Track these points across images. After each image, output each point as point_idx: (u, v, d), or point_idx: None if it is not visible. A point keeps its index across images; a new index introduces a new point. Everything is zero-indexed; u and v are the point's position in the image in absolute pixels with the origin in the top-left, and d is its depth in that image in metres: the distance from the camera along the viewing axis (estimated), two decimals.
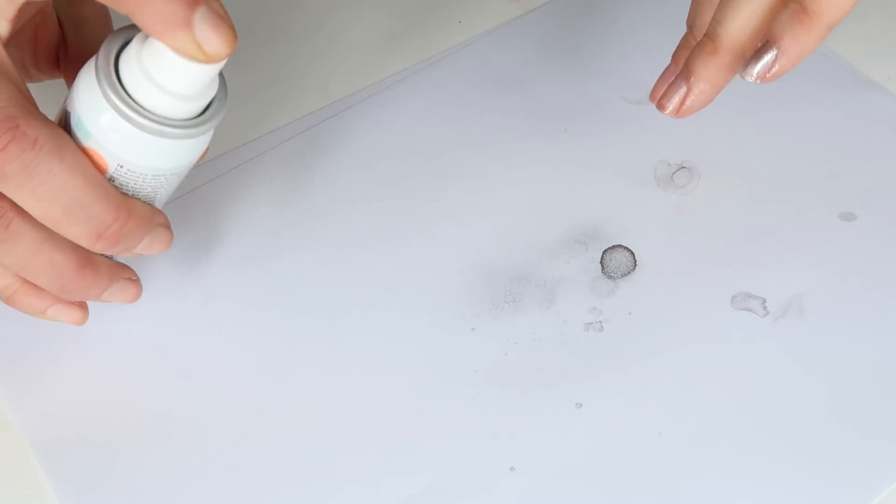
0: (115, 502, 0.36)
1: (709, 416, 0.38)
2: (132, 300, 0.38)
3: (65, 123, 0.33)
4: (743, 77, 0.36)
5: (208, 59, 0.30)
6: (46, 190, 0.31)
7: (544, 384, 0.39)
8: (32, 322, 0.38)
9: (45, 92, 0.35)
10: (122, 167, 0.33)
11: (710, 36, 0.36)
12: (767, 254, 0.43)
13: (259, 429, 0.38)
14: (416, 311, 0.41)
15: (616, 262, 0.43)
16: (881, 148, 0.47)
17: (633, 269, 0.43)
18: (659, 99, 0.39)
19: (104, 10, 0.37)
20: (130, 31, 0.32)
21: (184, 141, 0.33)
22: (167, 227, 0.35)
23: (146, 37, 0.31)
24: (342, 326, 0.41)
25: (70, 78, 0.33)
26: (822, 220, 0.44)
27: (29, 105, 0.31)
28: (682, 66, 0.40)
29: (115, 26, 0.34)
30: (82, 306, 0.38)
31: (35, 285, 0.35)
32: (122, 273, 0.37)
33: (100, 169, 0.32)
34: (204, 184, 0.46)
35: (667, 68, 0.42)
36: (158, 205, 0.35)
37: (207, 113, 0.33)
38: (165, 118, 0.32)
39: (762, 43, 0.35)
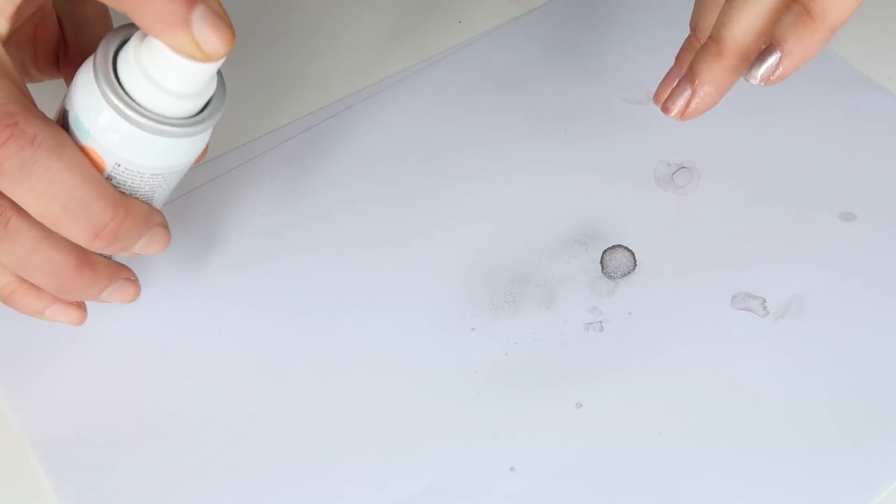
0: (115, 502, 0.36)
1: (709, 416, 0.38)
2: (131, 300, 0.38)
3: (63, 122, 0.33)
4: (747, 80, 0.36)
5: (206, 58, 0.30)
6: (44, 187, 0.31)
7: (544, 384, 0.39)
8: (32, 322, 0.38)
9: (44, 93, 0.35)
10: (119, 166, 0.33)
11: (715, 39, 0.36)
12: (767, 254, 0.43)
13: (259, 429, 0.38)
14: (416, 311, 0.41)
15: (616, 262, 0.43)
16: (881, 148, 0.47)
17: (633, 269, 0.43)
18: (664, 102, 0.39)
19: (105, 11, 0.37)
20: (129, 29, 0.32)
21: (182, 140, 0.33)
22: (165, 226, 0.35)
23: (144, 35, 0.31)
24: (342, 326, 0.41)
25: (70, 78, 0.34)
26: (822, 220, 0.44)
27: (28, 103, 0.31)
28: (685, 68, 0.40)
29: (115, 27, 0.34)
30: (81, 307, 0.38)
31: (33, 285, 0.35)
32: (120, 273, 0.37)
33: (98, 167, 0.32)
34: (204, 184, 0.46)
35: (670, 70, 0.42)
36: (156, 204, 0.35)
37: (205, 112, 0.33)
38: (163, 117, 0.32)
39: (766, 45, 0.35)
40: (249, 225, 0.44)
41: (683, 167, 0.46)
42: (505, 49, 0.52)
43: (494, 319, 0.41)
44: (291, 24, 0.53)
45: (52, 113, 0.34)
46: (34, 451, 0.38)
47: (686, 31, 0.43)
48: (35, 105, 0.32)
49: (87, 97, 0.32)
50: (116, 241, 0.33)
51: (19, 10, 0.32)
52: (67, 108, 0.33)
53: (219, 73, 0.33)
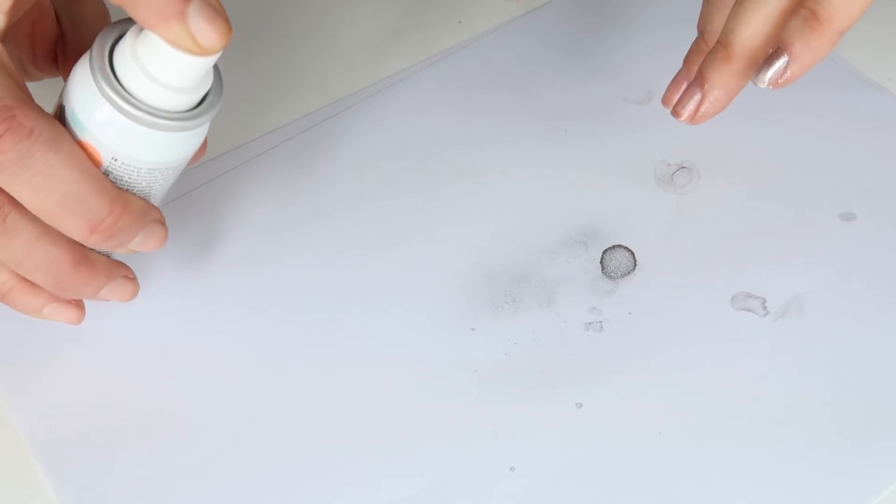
0: (114, 502, 0.36)
1: (709, 416, 0.38)
2: (129, 299, 0.37)
3: (60, 118, 0.33)
4: (755, 83, 0.36)
5: (203, 52, 0.30)
6: (42, 181, 0.31)
7: (544, 384, 0.39)
8: (32, 322, 0.38)
9: (41, 94, 0.35)
10: (116, 160, 0.32)
11: (723, 43, 0.36)
12: (767, 254, 0.43)
13: (259, 429, 0.38)
14: (416, 311, 0.41)
15: (616, 262, 0.43)
16: (881, 148, 0.47)
17: (633, 269, 0.43)
18: (674, 106, 0.39)
19: (103, 8, 0.37)
20: (125, 24, 0.32)
21: (179, 134, 0.33)
22: (162, 223, 0.35)
23: (140, 29, 0.31)
24: (342, 326, 0.41)
25: (68, 76, 0.34)
26: (822, 220, 0.44)
27: (25, 96, 0.31)
28: (693, 70, 0.40)
29: None
30: (78, 305, 0.38)
31: (31, 283, 0.35)
32: (118, 271, 0.36)
33: (95, 162, 0.32)
34: (204, 184, 0.45)
35: (678, 73, 0.42)
36: (154, 201, 0.35)
37: (202, 106, 0.33)
38: (160, 110, 0.32)
39: (773, 49, 0.35)
40: (249, 225, 0.44)
41: (683, 167, 0.46)
42: (505, 49, 0.52)
43: (494, 319, 0.41)
44: (291, 23, 0.53)
45: (48, 109, 0.34)
46: (34, 450, 0.38)
47: (687, 31, 0.43)
48: (32, 99, 0.32)
49: (83, 92, 0.32)
50: (113, 237, 0.33)
51: (16, 5, 0.32)
52: (64, 103, 0.33)
53: (216, 67, 0.33)
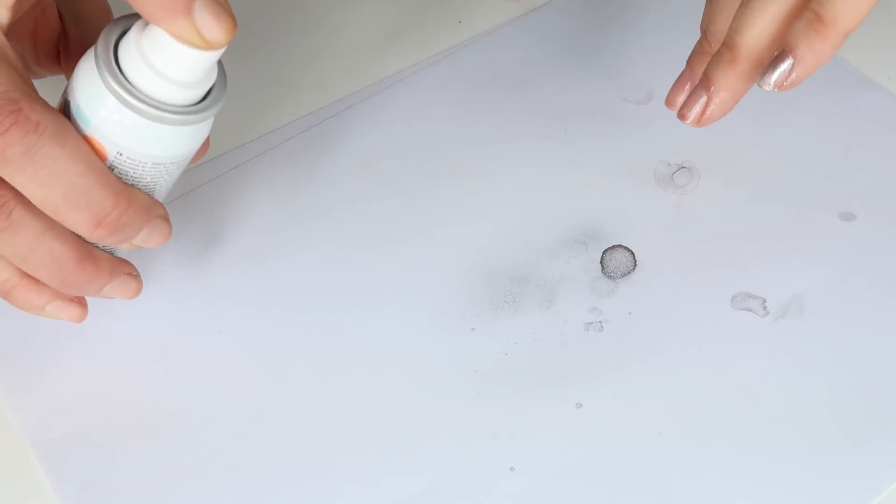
0: (114, 502, 0.36)
1: (709, 416, 0.38)
2: (132, 296, 0.37)
3: (64, 112, 0.33)
4: (760, 86, 0.36)
5: (208, 46, 0.30)
6: (47, 175, 0.31)
7: (544, 384, 0.39)
8: (31, 320, 0.38)
9: (42, 93, 0.35)
10: (121, 155, 0.33)
11: (728, 45, 0.36)
12: (767, 254, 0.43)
13: (259, 429, 0.38)
14: (416, 311, 0.41)
15: (616, 262, 0.43)
16: (881, 148, 0.47)
17: (633, 269, 0.43)
18: (680, 109, 0.39)
19: (105, 6, 0.37)
20: (129, 19, 0.33)
21: (183, 128, 0.33)
22: (166, 219, 0.35)
23: (146, 24, 0.31)
24: (342, 326, 0.41)
25: (70, 73, 0.34)
26: (822, 220, 0.44)
27: (30, 90, 0.31)
28: (696, 71, 0.40)
29: None
30: (81, 303, 0.37)
31: (34, 280, 0.35)
32: (122, 268, 0.36)
33: (100, 157, 0.32)
34: (204, 183, 0.45)
35: (682, 74, 0.42)
36: (158, 196, 0.35)
37: (207, 101, 0.33)
38: (165, 104, 0.32)
39: (778, 52, 0.35)
40: (250, 224, 0.44)
41: (683, 167, 0.46)
42: (505, 48, 0.52)
43: (494, 319, 0.41)
44: (291, 23, 0.53)
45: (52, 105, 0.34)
46: (34, 450, 0.38)
47: (687, 31, 0.43)
48: (37, 93, 0.32)
49: (88, 86, 0.32)
50: (118, 231, 0.33)
51: (20, 1, 0.32)
52: (69, 98, 0.33)
53: (220, 63, 0.33)
